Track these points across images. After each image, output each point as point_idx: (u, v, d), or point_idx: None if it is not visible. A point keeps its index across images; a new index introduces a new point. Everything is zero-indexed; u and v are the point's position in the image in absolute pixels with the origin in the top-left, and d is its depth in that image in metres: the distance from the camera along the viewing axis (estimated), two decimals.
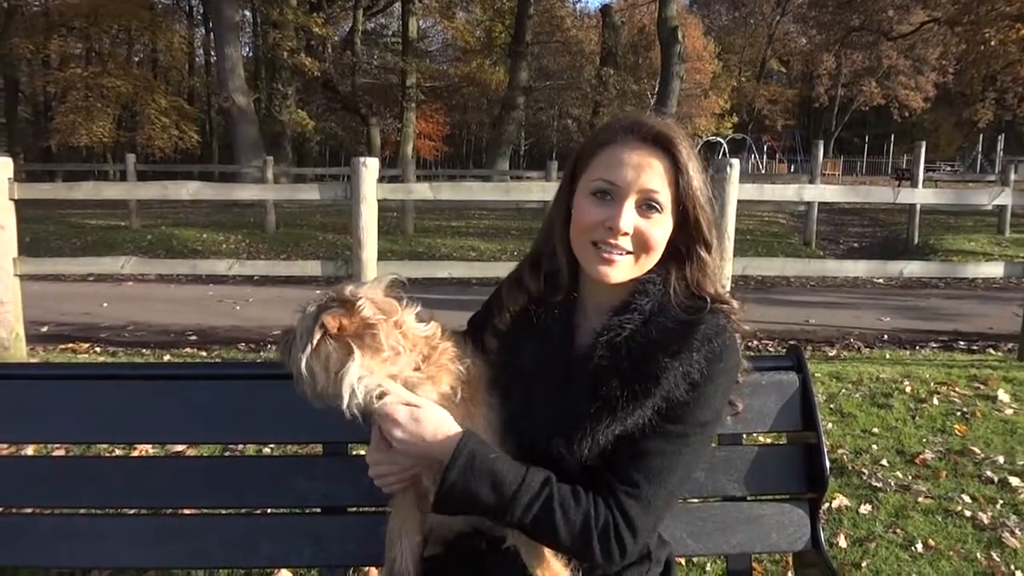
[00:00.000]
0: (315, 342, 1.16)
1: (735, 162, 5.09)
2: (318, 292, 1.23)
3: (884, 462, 3.43)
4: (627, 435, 1.21)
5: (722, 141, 34.88)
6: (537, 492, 1.16)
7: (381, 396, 1.18)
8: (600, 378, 1.23)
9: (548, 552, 1.22)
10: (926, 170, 14.89)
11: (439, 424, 1.18)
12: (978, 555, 2.66)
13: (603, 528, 1.17)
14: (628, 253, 1.25)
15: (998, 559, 2.63)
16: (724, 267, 4.77)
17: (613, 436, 1.21)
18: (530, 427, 1.25)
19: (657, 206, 1.24)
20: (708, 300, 1.27)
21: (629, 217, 1.23)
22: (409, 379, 1.21)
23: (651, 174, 1.24)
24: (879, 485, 3.19)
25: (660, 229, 1.26)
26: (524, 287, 1.37)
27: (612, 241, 1.24)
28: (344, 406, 1.16)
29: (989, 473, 3.30)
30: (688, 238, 1.29)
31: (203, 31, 36.63)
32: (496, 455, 1.18)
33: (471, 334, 1.42)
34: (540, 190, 6.75)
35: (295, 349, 1.19)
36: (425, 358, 1.23)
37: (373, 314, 1.17)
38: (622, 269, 1.26)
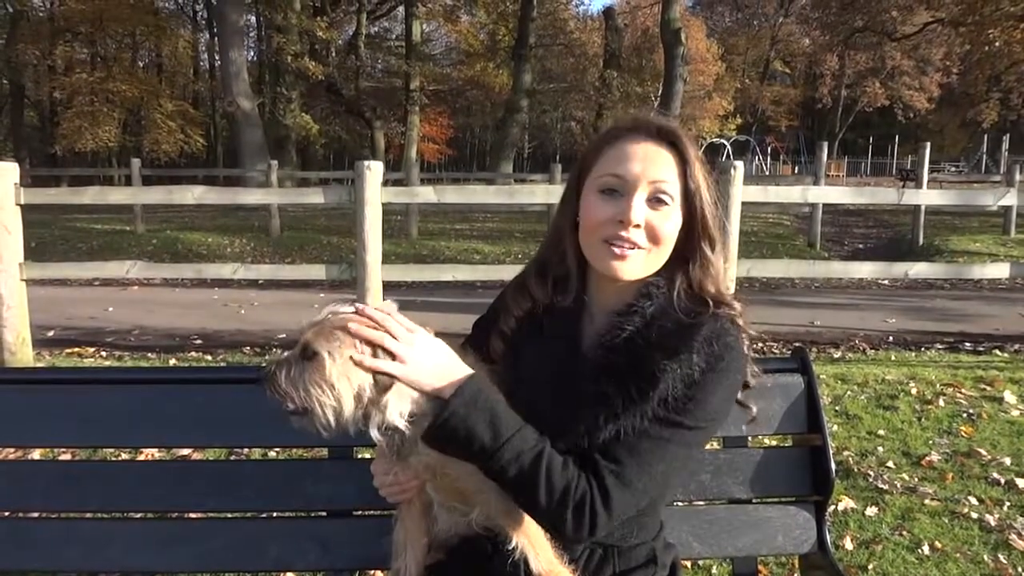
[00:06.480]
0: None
1: (739, 164, 5.08)
2: (313, 318, 1.17)
3: (890, 464, 3.42)
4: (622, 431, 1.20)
5: (726, 143, 34.83)
6: (532, 445, 1.14)
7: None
8: (599, 379, 1.22)
9: (553, 553, 1.22)
10: (930, 171, 14.87)
11: (449, 358, 1.18)
12: (985, 557, 2.65)
13: (580, 500, 1.14)
14: (640, 248, 1.24)
15: (1005, 561, 2.61)
16: (728, 269, 4.77)
17: (610, 436, 1.19)
18: None
19: (667, 198, 1.24)
20: (711, 303, 1.26)
21: (640, 209, 1.23)
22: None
23: (659, 165, 1.24)
24: (885, 487, 3.18)
25: (670, 222, 1.25)
26: (529, 293, 1.37)
27: (624, 235, 1.23)
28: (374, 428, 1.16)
29: (996, 475, 3.28)
30: (694, 235, 1.28)
31: (207, 36, 36.80)
32: (501, 399, 1.17)
33: (477, 337, 1.42)
34: (544, 193, 6.75)
35: (316, 374, 1.14)
36: None
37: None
38: (635, 264, 1.25)
